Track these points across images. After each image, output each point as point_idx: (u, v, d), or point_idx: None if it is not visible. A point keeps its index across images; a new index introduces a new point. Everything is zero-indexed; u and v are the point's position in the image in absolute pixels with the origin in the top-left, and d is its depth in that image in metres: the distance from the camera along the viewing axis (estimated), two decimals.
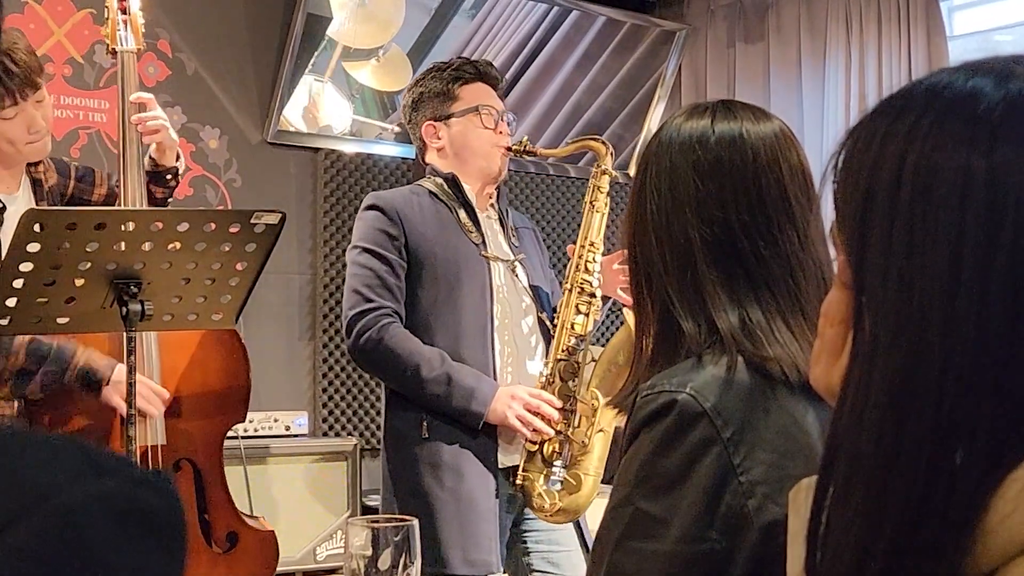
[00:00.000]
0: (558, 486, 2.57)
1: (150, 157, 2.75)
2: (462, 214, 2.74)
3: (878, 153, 0.80)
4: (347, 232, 4.62)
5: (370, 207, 2.74)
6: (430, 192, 2.77)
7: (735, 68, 5.25)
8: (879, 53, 4.62)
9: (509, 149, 2.80)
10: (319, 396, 4.58)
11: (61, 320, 2.30)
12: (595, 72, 5.23)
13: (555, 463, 2.58)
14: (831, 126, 4.71)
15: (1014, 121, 0.75)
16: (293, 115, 4.54)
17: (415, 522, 1.31)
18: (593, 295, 2.62)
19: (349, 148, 4.67)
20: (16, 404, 2.53)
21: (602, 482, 2.60)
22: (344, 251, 4.57)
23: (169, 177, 2.80)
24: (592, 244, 2.65)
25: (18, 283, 2.19)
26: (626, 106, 5.36)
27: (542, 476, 2.59)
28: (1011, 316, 0.73)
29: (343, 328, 2.71)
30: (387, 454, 2.72)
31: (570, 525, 2.62)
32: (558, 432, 2.58)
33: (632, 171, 5.25)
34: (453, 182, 2.77)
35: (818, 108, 4.83)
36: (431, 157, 2.84)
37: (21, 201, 2.64)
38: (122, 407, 2.52)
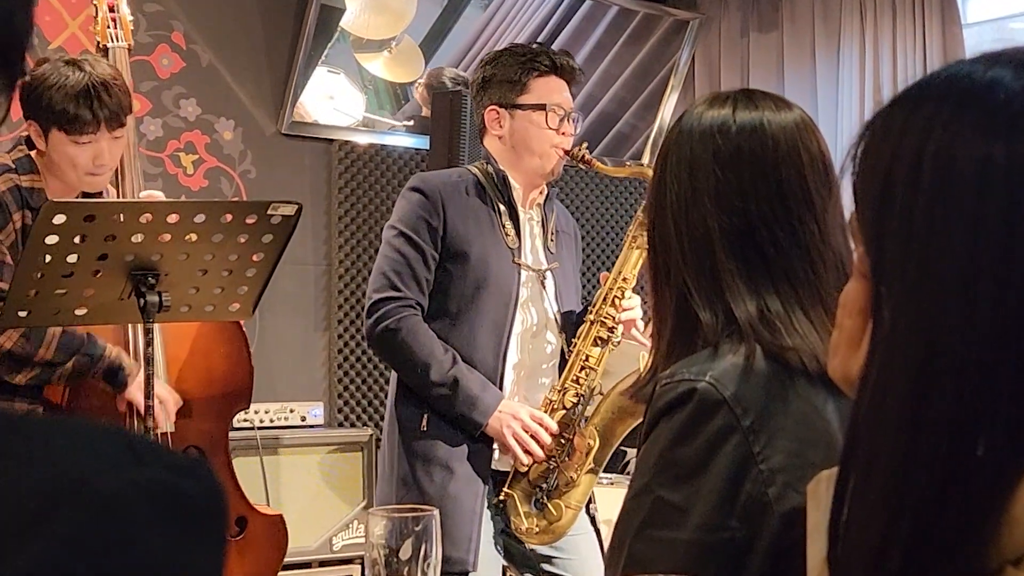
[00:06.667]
0: (539, 511, 2.58)
1: None
2: (504, 212, 2.70)
3: (897, 144, 0.80)
4: (361, 223, 4.63)
5: (415, 189, 2.68)
6: (476, 181, 2.71)
7: (749, 57, 5.23)
8: (893, 41, 4.60)
9: (567, 152, 2.73)
10: (334, 386, 4.59)
11: (79, 312, 2.31)
12: (608, 62, 5.22)
13: (541, 486, 2.58)
14: (845, 115, 4.69)
15: None
16: (307, 106, 4.55)
17: (436, 512, 1.32)
18: (613, 329, 2.59)
19: (363, 139, 4.67)
20: (41, 410, 2.55)
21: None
22: (358, 242, 4.61)
23: None
24: (624, 279, 2.59)
25: (37, 275, 2.20)
26: (639, 96, 5.35)
27: (526, 497, 2.60)
28: None
29: (365, 308, 2.71)
30: (387, 440, 2.73)
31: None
32: (550, 458, 2.57)
33: (646, 161, 5.24)
34: (503, 180, 2.71)
35: (832, 97, 4.81)
36: (489, 142, 2.77)
37: None
38: (142, 405, 2.54)
